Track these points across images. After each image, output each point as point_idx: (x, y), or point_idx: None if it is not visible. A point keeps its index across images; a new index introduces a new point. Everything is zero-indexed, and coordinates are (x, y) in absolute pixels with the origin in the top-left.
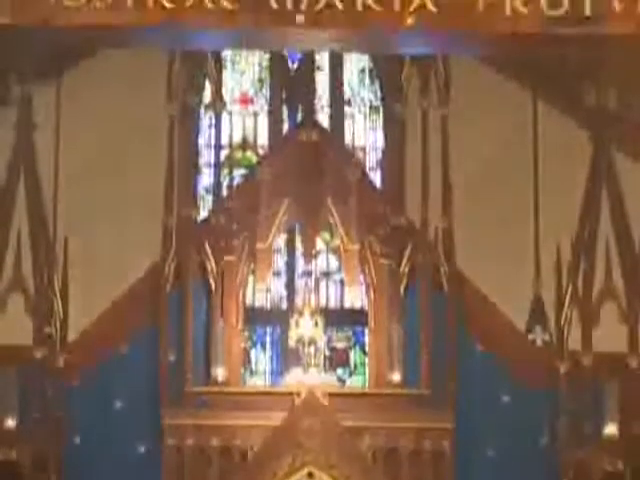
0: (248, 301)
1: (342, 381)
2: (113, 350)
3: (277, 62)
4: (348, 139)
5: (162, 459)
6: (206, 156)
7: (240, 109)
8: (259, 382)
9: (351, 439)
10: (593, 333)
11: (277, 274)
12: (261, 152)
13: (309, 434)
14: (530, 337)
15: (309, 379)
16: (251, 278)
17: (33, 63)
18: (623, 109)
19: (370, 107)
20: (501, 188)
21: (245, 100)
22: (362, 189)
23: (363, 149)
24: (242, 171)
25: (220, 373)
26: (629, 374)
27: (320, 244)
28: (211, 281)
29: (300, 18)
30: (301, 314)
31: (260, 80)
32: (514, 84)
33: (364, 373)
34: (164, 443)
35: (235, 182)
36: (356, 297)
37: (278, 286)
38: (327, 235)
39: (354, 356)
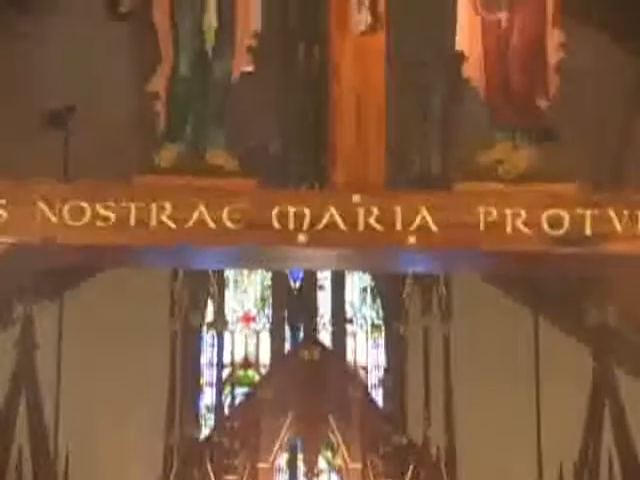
0: None
1: None
2: None
3: (279, 281)
4: (350, 357)
5: None
6: (208, 375)
7: (242, 327)
8: None
9: None
10: None
11: None
12: (263, 370)
13: None
14: None
15: None
16: None
17: (34, 282)
18: (624, 327)
19: (372, 325)
20: (503, 405)
21: (247, 318)
22: (364, 407)
23: (365, 368)
24: (244, 389)
25: None
26: None
27: (322, 462)
28: None
29: (302, 237)
30: None
31: (262, 299)
32: (515, 301)
33: None
34: None
35: (237, 401)
36: None
37: None
38: (329, 453)
39: None
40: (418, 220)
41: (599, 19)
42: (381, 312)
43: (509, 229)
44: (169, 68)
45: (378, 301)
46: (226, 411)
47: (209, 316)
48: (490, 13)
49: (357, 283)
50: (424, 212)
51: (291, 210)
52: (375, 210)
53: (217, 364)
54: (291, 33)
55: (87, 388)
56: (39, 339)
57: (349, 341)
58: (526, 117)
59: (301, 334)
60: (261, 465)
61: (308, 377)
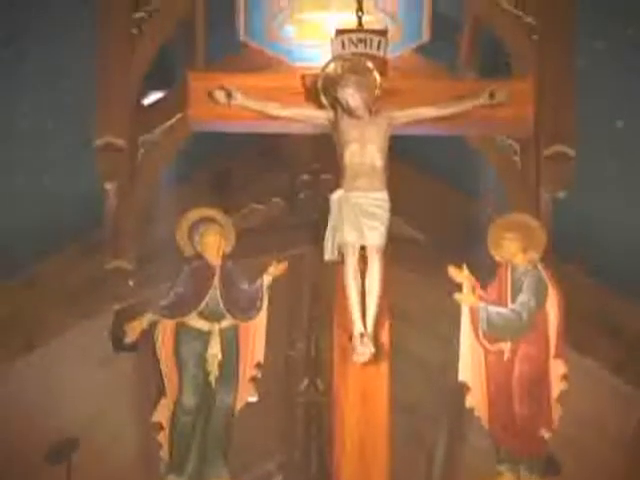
0: None
1: None
2: None
3: None
4: None
5: None
6: None
7: None
8: None
9: None
10: None
11: None
12: None
13: None
14: None
15: None
16: None
17: None
18: None
19: None
20: None
21: None
22: None
23: None
24: None
25: None
26: None
27: None
28: None
29: None
30: None
31: None
32: None
33: None
34: None
35: None
36: None
37: None
38: None
39: None
40: None
41: (599, 351)
42: None
43: None
44: (173, 399)
45: None
46: None
47: None
48: (492, 344)
49: None
50: None
51: None
52: None
53: None
54: (294, 364)
55: None
56: None
57: None
58: (529, 447)
59: None
60: None
61: None
